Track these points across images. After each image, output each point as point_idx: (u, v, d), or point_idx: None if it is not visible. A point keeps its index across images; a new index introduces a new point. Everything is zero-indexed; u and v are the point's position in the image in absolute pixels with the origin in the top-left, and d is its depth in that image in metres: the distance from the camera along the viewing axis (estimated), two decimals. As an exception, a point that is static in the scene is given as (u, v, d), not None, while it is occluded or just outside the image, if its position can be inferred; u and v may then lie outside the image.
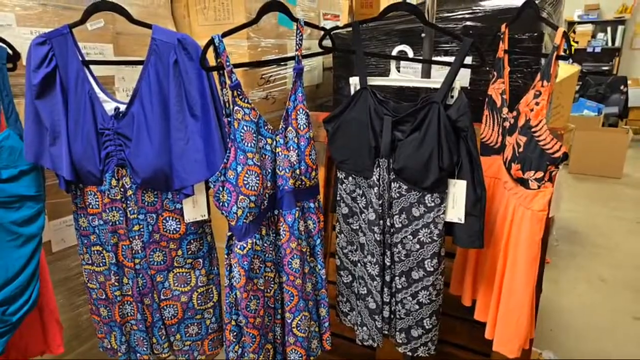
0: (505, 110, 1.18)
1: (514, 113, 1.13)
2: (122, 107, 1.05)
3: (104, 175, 1.06)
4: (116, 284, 1.14)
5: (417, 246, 1.13)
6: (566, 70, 2.97)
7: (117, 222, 1.10)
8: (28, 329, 1.21)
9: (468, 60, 1.48)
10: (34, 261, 1.13)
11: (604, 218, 3.85)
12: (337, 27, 1.27)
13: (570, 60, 6.76)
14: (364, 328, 1.27)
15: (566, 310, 2.55)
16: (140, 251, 1.13)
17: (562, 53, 1.03)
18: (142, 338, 1.19)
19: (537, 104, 1.02)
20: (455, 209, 1.08)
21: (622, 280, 2.86)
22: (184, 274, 1.17)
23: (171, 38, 1.00)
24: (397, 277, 1.18)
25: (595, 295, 2.72)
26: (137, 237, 1.12)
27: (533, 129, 1.02)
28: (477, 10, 1.54)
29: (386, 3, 2.86)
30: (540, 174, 1.03)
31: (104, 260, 1.14)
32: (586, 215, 3.91)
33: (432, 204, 1.10)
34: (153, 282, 1.16)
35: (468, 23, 1.54)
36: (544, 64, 1.06)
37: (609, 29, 7.05)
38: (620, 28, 6.95)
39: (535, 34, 1.43)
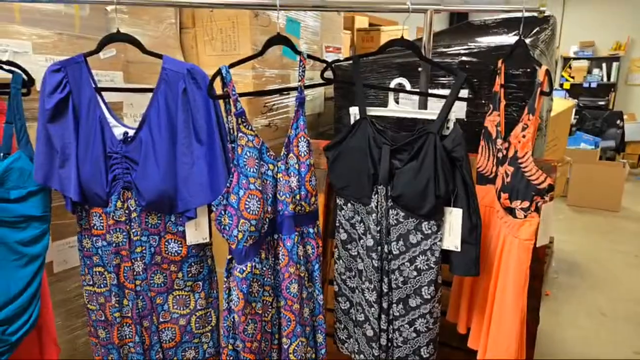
0: (499, 141, 1.22)
1: (507, 144, 1.17)
2: (131, 132, 1.09)
3: (110, 197, 1.09)
4: (116, 305, 1.15)
5: (415, 273, 1.15)
6: (562, 104, 3.05)
7: (120, 244, 1.12)
8: (26, 349, 1.20)
9: (464, 93, 1.54)
10: (36, 281, 1.14)
11: (603, 251, 3.85)
12: (338, 60, 1.33)
13: (566, 95, 6.91)
14: (361, 356, 1.27)
15: (567, 342, 2.52)
16: (141, 273, 1.14)
17: (545, 89, 1.09)
18: (139, 361, 1.19)
19: (524, 136, 1.07)
20: (452, 237, 1.11)
21: (623, 314, 2.84)
22: (184, 296, 1.18)
23: (181, 68, 1.05)
24: (394, 304, 1.19)
25: (595, 328, 2.69)
26: (139, 258, 1.13)
27: (519, 160, 1.06)
28: (473, 47, 1.61)
29: (386, 37, 2.97)
30: (526, 204, 1.06)
31: (105, 282, 1.16)
32: (585, 247, 3.91)
33: (429, 231, 1.12)
34: (153, 304, 1.17)
35: (464, 58, 1.61)
36: (530, 98, 1.11)
37: (604, 65, 7.24)
38: (615, 64, 7.14)
39: (529, 70, 1.49)
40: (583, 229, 4.39)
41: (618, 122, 6.18)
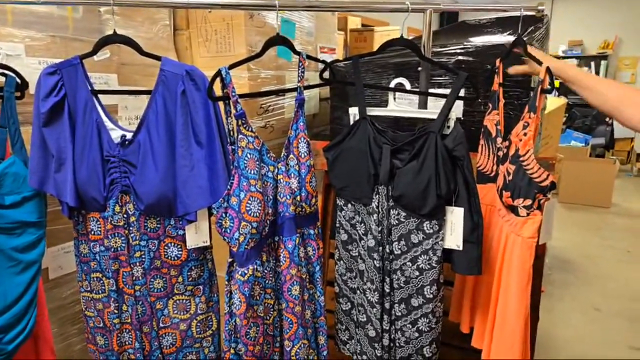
0: (499, 140, 1.22)
1: (507, 143, 1.17)
2: (129, 135, 1.08)
3: (108, 202, 1.07)
4: (115, 311, 1.13)
5: (417, 273, 1.15)
6: (554, 102, 3.07)
7: (118, 249, 1.10)
8: (22, 357, 1.18)
9: (461, 92, 1.53)
10: (32, 288, 1.12)
11: (595, 247, 3.89)
12: (337, 60, 1.33)
13: (557, 93, 6.99)
14: (364, 357, 1.26)
15: (562, 340, 2.54)
16: (140, 278, 1.12)
17: (546, 87, 1.09)
18: (139, 368, 1.17)
19: (525, 134, 1.07)
20: (453, 236, 1.11)
21: (617, 310, 2.87)
22: (184, 301, 1.17)
23: (179, 69, 1.04)
24: (396, 304, 1.19)
25: (590, 325, 2.72)
26: (138, 263, 1.12)
27: (521, 158, 1.07)
28: (468, 46, 1.61)
29: (379, 37, 2.97)
30: (528, 202, 1.07)
31: (103, 287, 1.14)
32: (578, 244, 3.95)
33: (431, 231, 1.12)
34: (152, 309, 1.15)
35: (460, 57, 1.61)
36: (531, 96, 1.11)
37: (592, 63, 7.34)
38: (603, 63, 7.24)
39: (525, 68, 1.50)
40: (575, 225, 4.44)
41: (607, 119, 6.27)
